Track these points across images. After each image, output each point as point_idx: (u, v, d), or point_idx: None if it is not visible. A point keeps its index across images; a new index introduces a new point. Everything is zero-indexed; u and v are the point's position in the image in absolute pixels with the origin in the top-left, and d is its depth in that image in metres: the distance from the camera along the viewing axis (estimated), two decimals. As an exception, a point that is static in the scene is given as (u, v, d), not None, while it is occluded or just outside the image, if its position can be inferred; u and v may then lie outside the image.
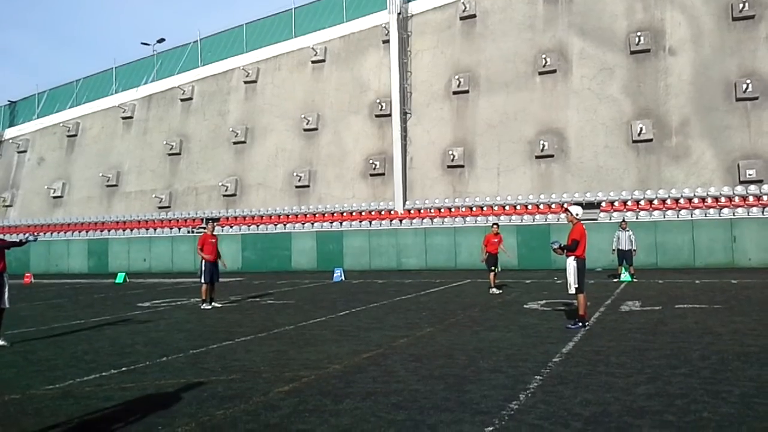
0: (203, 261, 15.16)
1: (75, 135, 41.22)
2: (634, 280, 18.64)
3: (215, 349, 9.24)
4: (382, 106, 32.11)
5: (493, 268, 16.41)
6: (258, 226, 31.91)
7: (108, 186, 38.72)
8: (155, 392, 6.71)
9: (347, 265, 27.52)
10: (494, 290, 16.16)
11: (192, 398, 6.38)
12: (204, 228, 32.62)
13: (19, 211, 41.60)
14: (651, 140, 27.24)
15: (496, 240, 16.64)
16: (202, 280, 15.05)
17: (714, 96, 26.79)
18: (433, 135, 31.25)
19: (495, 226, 17.18)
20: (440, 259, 27.15)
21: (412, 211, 29.86)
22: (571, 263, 10.30)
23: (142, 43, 42.14)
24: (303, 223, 31.07)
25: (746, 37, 26.77)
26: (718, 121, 26.56)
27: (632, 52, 28.21)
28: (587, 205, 26.81)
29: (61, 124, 41.71)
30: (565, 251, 10.37)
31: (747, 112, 26.20)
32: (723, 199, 25.10)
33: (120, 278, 26.24)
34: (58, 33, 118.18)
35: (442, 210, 29.29)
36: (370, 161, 32.04)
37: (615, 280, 18.99)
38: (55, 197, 40.36)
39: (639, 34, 28.03)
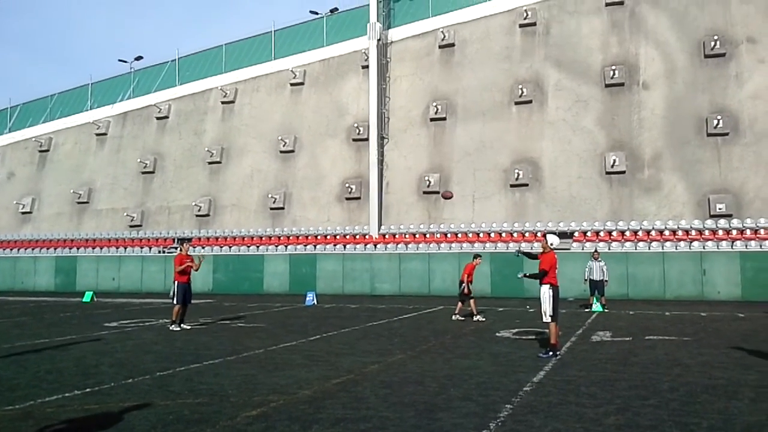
0: (176, 282, 14.95)
1: (47, 150, 40.68)
2: (606, 310, 18.77)
3: (183, 371, 9.06)
4: (359, 131, 32.23)
5: (472, 296, 16.45)
6: (231, 247, 31.63)
7: (79, 203, 38.17)
8: (119, 414, 6.54)
9: (320, 289, 27.33)
10: (479, 317, 16.17)
11: (157, 421, 6.24)
12: (176, 248, 32.23)
13: (-14, 226, 40.73)
14: (624, 172, 27.66)
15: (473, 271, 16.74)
16: (175, 301, 14.83)
17: (686, 130, 27.35)
18: (409, 160, 31.40)
19: (479, 258, 17.14)
20: (414, 285, 27.11)
21: (387, 236, 29.85)
22: (546, 291, 10.35)
23: (120, 60, 41.86)
24: (276, 246, 30.85)
25: (717, 74, 27.46)
26: (689, 155, 27.09)
27: (607, 85, 28.76)
28: (560, 235, 27.07)
29: (33, 139, 41.16)
30: (534, 277, 10.52)
31: (718, 147, 26.78)
32: (693, 233, 25.49)
33: (87, 297, 25.74)
34: (33, 47, 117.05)
35: (417, 236, 29.32)
36: (346, 185, 32.05)
37: (587, 310, 19.10)
38: (23, 213, 39.65)
39: (614, 67, 28.61)
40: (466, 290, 16.50)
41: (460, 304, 16.66)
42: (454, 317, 16.34)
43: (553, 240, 10.82)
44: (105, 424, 6.18)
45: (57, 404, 7.03)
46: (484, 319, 16.11)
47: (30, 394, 7.56)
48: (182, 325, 14.80)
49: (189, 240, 32.47)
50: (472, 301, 16.46)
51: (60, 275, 33.32)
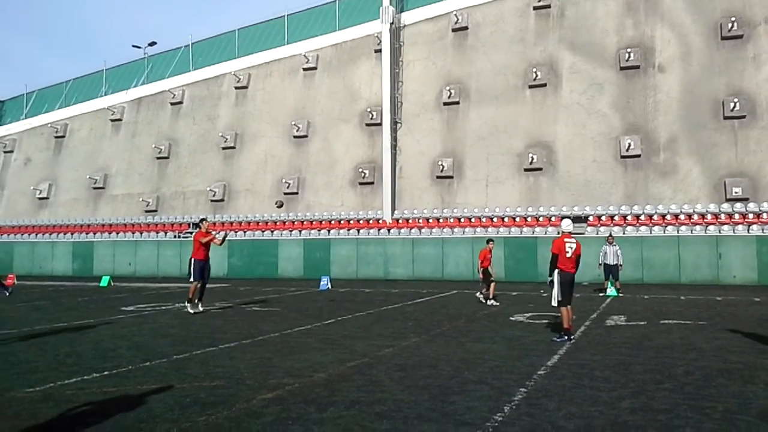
0: (193, 259, 14.89)
1: (63, 136, 40.96)
2: (620, 294, 18.72)
3: (199, 354, 9.16)
4: (372, 115, 32.16)
5: (492, 280, 16.36)
6: (245, 232, 31.79)
7: (95, 188, 38.47)
8: (137, 397, 6.63)
9: (334, 273, 27.46)
10: (493, 302, 16.13)
11: (174, 404, 6.32)
12: (190, 233, 32.46)
13: (3, 212, 41.18)
14: (639, 156, 27.44)
15: (490, 256, 16.60)
16: (192, 279, 14.78)
17: (702, 114, 27.05)
18: (422, 145, 31.32)
19: (491, 242, 16.93)
20: (427, 270, 27.15)
21: (400, 221, 29.87)
22: (554, 277, 10.35)
23: (134, 46, 42.09)
24: (290, 230, 30.98)
25: (734, 57, 27.08)
26: (705, 139, 26.81)
27: (622, 68, 28.46)
28: (575, 219, 26.94)
29: (49, 125, 41.43)
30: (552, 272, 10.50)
31: (734, 130, 26.47)
32: (709, 216, 25.29)
33: (104, 281, 26.02)
34: (48, 33, 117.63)
35: (431, 220, 29.31)
36: (360, 170, 32.05)
37: (601, 294, 19.06)
38: (40, 198, 40.03)
39: (629, 50, 28.29)
40: (481, 275, 16.44)
41: (492, 285, 16.38)
42: (489, 302, 16.15)
43: (565, 224, 10.80)
44: (123, 406, 6.27)
45: (76, 386, 7.14)
46: (497, 304, 16.09)
47: (50, 376, 7.68)
48: (199, 305, 14.85)
49: (206, 219, 32.65)
50: (492, 285, 16.37)
51: (77, 260, 33.69)
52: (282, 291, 21.66)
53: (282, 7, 36.28)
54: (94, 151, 39.53)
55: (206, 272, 15.01)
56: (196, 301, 14.81)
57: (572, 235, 10.84)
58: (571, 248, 10.53)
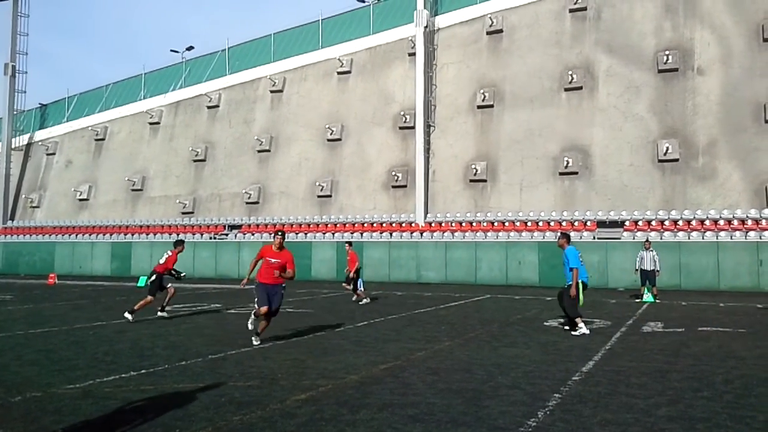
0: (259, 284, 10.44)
1: (103, 139, 41.85)
2: (657, 301, 18.40)
3: (233, 355, 9.27)
4: (406, 119, 32.19)
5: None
6: (279, 234, 31.98)
7: (133, 190, 39.20)
8: (173, 395, 6.75)
9: (366, 276, 27.38)
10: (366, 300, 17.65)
11: (209, 403, 6.41)
12: (226, 234, 32.86)
13: (45, 213, 42.26)
14: (677, 160, 26.96)
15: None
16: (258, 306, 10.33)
17: (742, 117, 26.47)
18: (456, 149, 31.23)
19: (348, 245, 18.97)
20: (460, 274, 27.04)
21: (433, 224, 29.81)
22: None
23: (171, 51, 42.95)
24: (324, 233, 31.14)
25: (777, 59, 26.45)
26: (746, 143, 26.23)
27: (660, 71, 28.01)
28: (611, 224, 26.63)
29: (90, 128, 42.38)
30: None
31: (776, 134, 25.83)
32: (750, 222, 24.72)
33: (142, 282, 26.35)
34: (89, 39, 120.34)
35: (464, 224, 29.19)
36: (393, 173, 32.08)
37: (637, 300, 18.76)
38: (81, 200, 40.94)
39: (667, 52, 27.84)
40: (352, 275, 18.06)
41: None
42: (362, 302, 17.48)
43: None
44: (160, 404, 6.38)
45: (114, 384, 7.28)
46: (367, 301, 17.66)
47: (89, 374, 7.85)
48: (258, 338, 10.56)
49: (239, 227, 33.13)
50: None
51: (116, 260, 34.35)
52: (315, 293, 21.79)
53: (317, 12, 36.65)
54: (133, 154, 40.30)
55: (273, 299, 10.55)
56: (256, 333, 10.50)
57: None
58: None
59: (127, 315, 13.41)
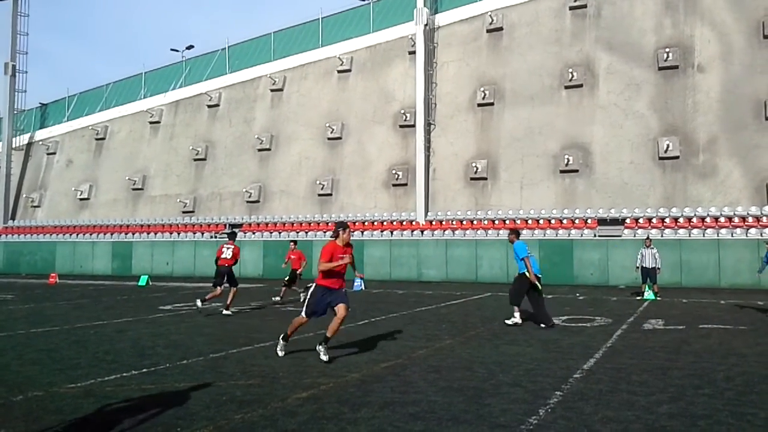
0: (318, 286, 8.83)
1: (103, 138, 41.84)
2: (658, 298, 18.39)
3: (235, 353, 9.28)
4: (406, 117, 32.18)
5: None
6: (280, 233, 32.06)
7: (134, 189, 39.21)
8: (174, 394, 6.75)
9: (368, 274, 27.45)
10: (277, 298, 17.89)
11: (211, 401, 6.42)
12: (227, 234, 32.88)
13: (46, 212, 42.27)
14: (677, 157, 26.94)
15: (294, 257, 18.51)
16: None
17: (743, 114, 26.44)
18: (456, 147, 31.22)
19: (293, 242, 19.26)
20: (461, 272, 27.04)
21: (433, 223, 29.81)
22: None
23: (172, 50, 42.99)
24: (325, 231, 31.11)
25: (777, 56, 26.42)
26: (747, 140, 26.21)
27: (660, 68, 27.99)
28: (612, 221, 26.63)
29: (90, 128, 42.37)
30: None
31: (777, 131, 25.81)
32: (750, 219, 24.70)
33: (143, 281, 26.49)
34: (89, 38, 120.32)
35: (464, 222, 29.18)
36: (393, 171, 32.08)
37: (638, 298, 18.75)
38: (81, 199, 40.95)
39: (667, 50, 27.81)
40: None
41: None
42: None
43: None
44: (161, 403, 6.38)
45: (115, 383, 7.29)
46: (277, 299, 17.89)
47: (90, 373, 7.86)
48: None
49: (240, 226, 33.11)
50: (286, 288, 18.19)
51: (117, 259, 34.38)
52: (316, 292, 21.74)
53: (317, 10, 36.52)
54: (133, 153, 40.29)
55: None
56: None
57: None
58: None
59: (198, 303, 14.58)
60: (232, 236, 15.72)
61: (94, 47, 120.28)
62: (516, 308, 12.39)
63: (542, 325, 12.06)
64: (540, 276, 12.54)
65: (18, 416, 5.93)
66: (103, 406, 6.28)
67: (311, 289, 8.86)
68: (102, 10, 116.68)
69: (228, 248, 15.12)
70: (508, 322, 12.37)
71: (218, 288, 14.67)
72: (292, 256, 18.71)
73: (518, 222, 28.03)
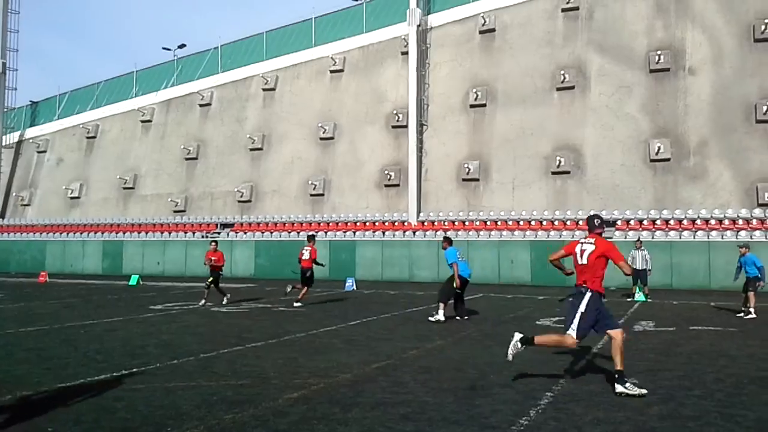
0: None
1: (94, 137, 41.65)
2: (649, 300, 18.48)
3: (225, 354, 9.24)
4: (398, 118, 32.19)
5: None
6: (272, 233, 32.00)
7: (125, 188, 39.05)
8: (165, 394, 6.72)
9: (359, 275, 27.50)
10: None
11: (201, 401, 6.39)
12: (218, 233, 32.76)
13: (36, 211, 42.02)
14: (668, 159, 27.08)
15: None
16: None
17: (733, 117, 26.61)
18: (448, 147, 31.26)
19: (214, 243, 18.07)
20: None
21: (425, 223, 29.83)
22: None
23: (163, 48, 42.80)
24: (316, 232, 31.06)
25: (767, 59, 26.62)
26: (737, 143, 26.37)
27: (651, 71, 28.13)
28: (602, 223, 26.64)
29: (81, 126, 42.17)
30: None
31: (767, 134, 25.98)
32: (741, 222, 24.85)
33: (133, 280, 26.38)
34: (80, 36, 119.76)
35: (456, 223, 29.22)
36: (385, 172, 32.08)
37: (629, 299, 18.83)
38: (72, 198, 40.74)
39: (659, 52, 27.95)
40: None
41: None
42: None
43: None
44: (151, 403, 6.35)
45: (105, 383, 7.25)
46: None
47: (80, 372, 7.81)
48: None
49: (231, 225, 33.08)
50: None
51: (107, 259, 34.22)
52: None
53: (310, 10, 36.46)
54: (125, 152, 40.13)
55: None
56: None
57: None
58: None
59: (296, 304, 16.18)
60: (311, 238, 17.08)
61: (85, 45, 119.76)
62: (441, 306, 13.32)
63: (457, 318, 13.58)
64: (468, 279, 14.12)
65: (7, 416, 5.89)
66: (93, 405, 6.24)
67: (589, 301, 7.02)
68: (94, 7, 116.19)
69: (306, 250, 16.60)
70: (431, 318, 13.22)
71: (305, 287, 16.54)
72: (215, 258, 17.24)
73: (510, 223, 28.09)
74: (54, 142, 43.47)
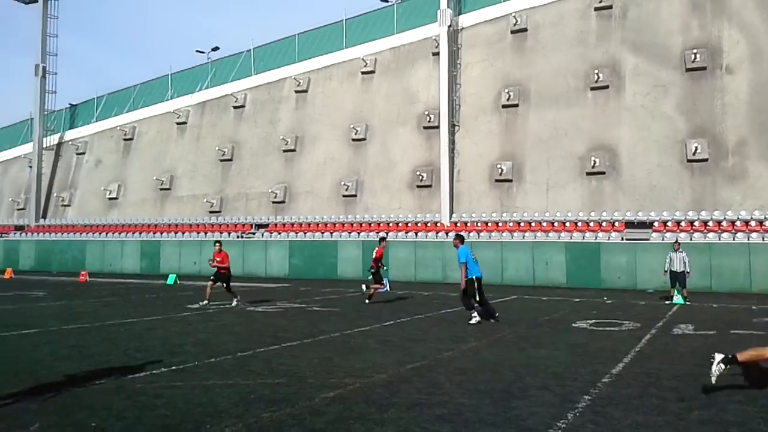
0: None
1: (131, 139, 42.41)
2: (687, 302, 18.13)
3: (262, 352, 9.34)
4: (430, 118, 32.13)
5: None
6: (305, 233, 32.22)
7: (161, 189, 39.68)
8: (203, 392, 6.82)
9: (392, 275, 27.45)
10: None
11: (239, 400, 6.47)
12: (253, 233, 33.10)
13: (76, 211, 42.96)
14: (706, 160, 26.56)
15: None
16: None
17: (774, 116, 25.97)
18: (481, 148, 31.10)
19: (218, 243, 17.68)
20: (486, 274, 26.54)
21: (458, 224, 29.72)
22: None
23: (197, 51, 43.44)
24: (349, 232, 31.21)
25: (810, 57, 25.93)
26: (777, 142, 25.74)
27: (687, 70, 27.62)
28: (639, 225, 26.31)
29: (118, 128, 42.97)
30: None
31: (809, 133, 25.33)
32: (782, 223, 24.26)
33: (171, 280, 26.79)
34: (117, 40, 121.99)
35: (489, 224, 29.05)
36: (417, 173, 32.05)
37: (667, 302, 18.51)
38: (110, 198, 41.54)
39: (695, 51, 27.43)
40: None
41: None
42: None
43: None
44: (190, 400, 6.46)
45: (145, 380, 7.39)
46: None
47: (121, 369, 7.97)
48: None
49: (265, 226, 33.37)
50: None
51: (145, 258, 34.80)
52: (341, 292, 21.85)
53: (341, 12, 36.64)
54: (161, 153, 40.79)
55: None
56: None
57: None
58: None
59: (366, 301, 17.40)
60: (382, 240, 18.60)
61: (121, 49, 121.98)
62: (471, 311, 13.12)
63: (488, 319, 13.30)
64: (481, 277, 13.42)
65: (51, 411, 6.04)
66: (134, 402, 6.37)
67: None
68: (129, 12, 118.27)
69: (376, 250, 17.86)
70: (471, 322, 12.90)
71: (378, 284, 17.90)
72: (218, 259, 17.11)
73: (544, 224, 27.85)
74: (92, 144, 44.37)
